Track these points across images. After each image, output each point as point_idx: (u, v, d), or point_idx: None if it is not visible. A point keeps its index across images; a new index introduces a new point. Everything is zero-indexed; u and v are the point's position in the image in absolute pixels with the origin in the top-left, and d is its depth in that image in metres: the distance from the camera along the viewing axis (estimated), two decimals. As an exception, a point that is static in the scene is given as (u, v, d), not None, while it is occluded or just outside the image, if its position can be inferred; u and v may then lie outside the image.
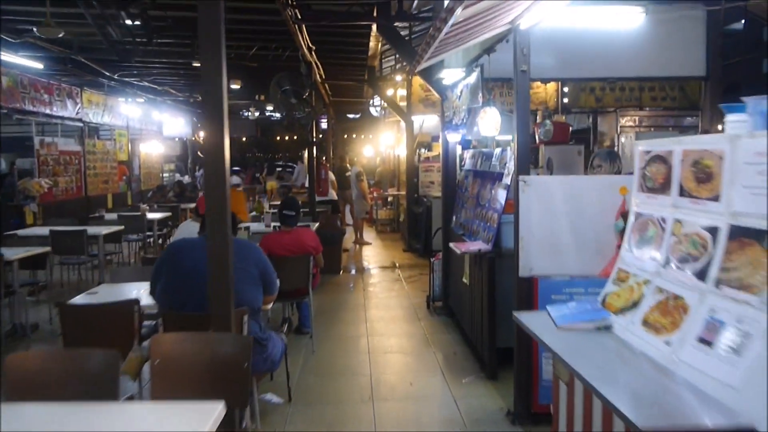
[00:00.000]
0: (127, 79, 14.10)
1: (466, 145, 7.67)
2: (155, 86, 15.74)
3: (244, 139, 32.07)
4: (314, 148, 9.61)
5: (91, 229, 8.46)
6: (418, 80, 11.87)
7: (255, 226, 8.49)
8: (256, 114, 21.87)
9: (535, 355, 4.07)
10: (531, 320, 2.83)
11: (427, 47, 4.49)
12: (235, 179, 23.51)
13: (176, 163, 22.58)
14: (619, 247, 3.69)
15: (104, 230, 8.41)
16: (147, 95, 16.61)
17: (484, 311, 5.06)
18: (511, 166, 5.01)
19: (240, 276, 3.49)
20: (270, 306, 4.05)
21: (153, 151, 18.70)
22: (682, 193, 2.37)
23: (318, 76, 11.05)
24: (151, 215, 10.72)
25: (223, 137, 2.94)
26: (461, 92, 6.04)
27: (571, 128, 6.92)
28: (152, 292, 3.67)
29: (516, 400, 4.18)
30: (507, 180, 5.00)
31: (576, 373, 2.20)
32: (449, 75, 6.12)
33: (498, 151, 5.56)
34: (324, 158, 11.27)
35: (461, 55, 5.75)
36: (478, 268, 5.22)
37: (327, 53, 10.57)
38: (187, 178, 22.52)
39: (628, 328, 2.48)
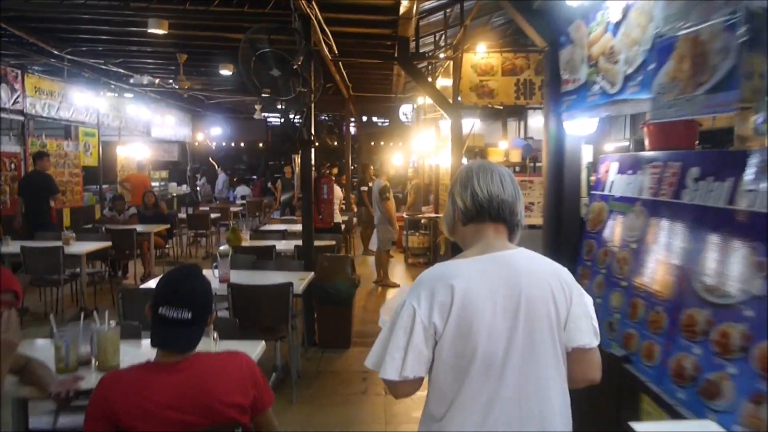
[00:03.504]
0: (83, 59, 10.78)
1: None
2: (130, 73, 12.42)
3: (261, 144, 28.85)
4: (311, 151, 6.08)
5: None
6: (469, 60, 8.32)
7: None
8: (264, 115, 18.47)
9: None
10: None
11: None
12: (242, 190, 20.30)
13: (170, 170, 19.24)
14: None
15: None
16: (122, 85, 13.28)
17: None
18: None
19: None
20: None
21: (137, 155, 15.37)
22: None
23: (324, 45, 7.54)
24: (77, 247, 7.32)
25: None
26: (624, 15, 2.47)
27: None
28: None
29: None
30: None
31: None
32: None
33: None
34: (327, 167, 7.89)
35: None
36: None
37: (335, 9, 7.07)
38: (185, 188, 19.34)
39: None
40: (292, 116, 6.14)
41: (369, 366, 1.71)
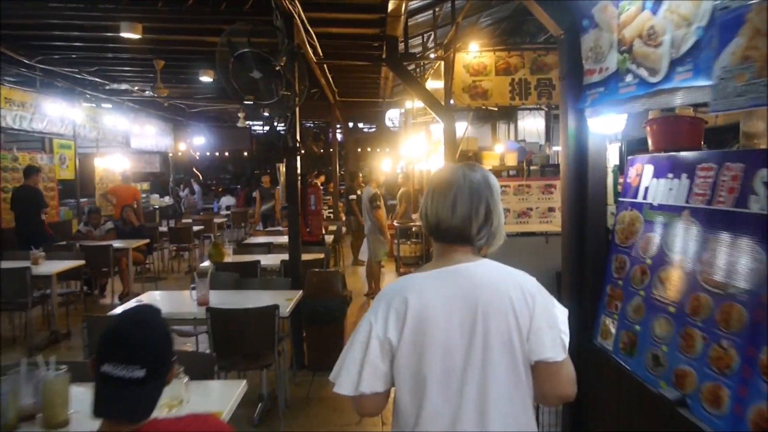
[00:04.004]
0: (56, 68, 10.29)
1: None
2: (106, 81, 11.92)
3: (246, 153, 28.33)
4: (296, 159, 5.62)
5: None
6: (461, 60, 7.92)
7: (171, 298, 4.61)
8: (248, 123, 18.02)
9: None
10: None
11: None
12: (227, 200, 19.78)
13: (152, 181, 18.69)
14: None
15: None
16: (99, 95, 12.78)
17: None
18: None
19: None
20: None
21: (117, 167, 14.84)
22: None
23: (309, 47, 7.11)
24: (47, 266, 6.82)
25: None
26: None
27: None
28: None
29: None
30: None
31: None
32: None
33: None
34: (314, 175, 7.31)
35: None
36: None
37: (320, 7, 6.66)
38: (167, 200, 18.81)
39: None
40: (276, 123, 5.70)
41: (330, 379, 1.67)
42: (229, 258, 7.02)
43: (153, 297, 5.20)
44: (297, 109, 5.67)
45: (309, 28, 6.74)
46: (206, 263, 6.78)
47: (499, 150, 8.93)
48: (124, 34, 7.34)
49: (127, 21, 7.17)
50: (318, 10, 6.72)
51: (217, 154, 25.52)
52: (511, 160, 8.39)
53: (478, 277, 1.61)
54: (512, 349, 1.57)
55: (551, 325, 1.59)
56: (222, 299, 4.78)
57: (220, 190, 27.05)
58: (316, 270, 5.88)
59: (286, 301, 4.66)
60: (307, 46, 7.08)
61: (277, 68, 5.15)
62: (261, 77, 5.08)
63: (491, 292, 1.59)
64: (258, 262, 6.30)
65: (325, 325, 5.76)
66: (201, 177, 25.97)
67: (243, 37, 5.04)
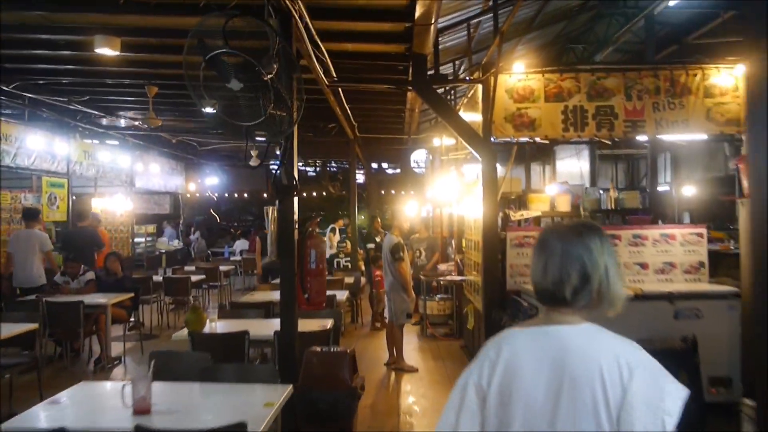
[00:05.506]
0: (41, 97, 9.16)
1: None
2: (101, 114, 10.77)
3: (264, 194, 27.24)
4: (292, 201, 4.19)
5: None
6: (504, 83, 6.55)
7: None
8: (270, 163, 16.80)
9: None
10: None
11: None
12: (241, 244, 18.45)
13: (165, 224, 17.49)
14: None
15: None
16: (95, 128, 11.64)
17: None
18: None
19: None
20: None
21: (118, 209, 13.64)
22: None
23: (318, 66, 5.77)
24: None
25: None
26: None
27: None
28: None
29: None
30: None
31: None
32: None
33: None
34: (317, 221, 5.80)
35: None
36: None
37: (332, 14, 5.37)
38: (177, 244, 17.58)
39: None
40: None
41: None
42: (216, 324, 5.59)
43: (86, 391, 3.74)
44: (295, 136, 4.29)
45: (317, 39, 5.44)
46: (182, 332, 5.37)
47: (550, 191, 7.44)
48: (100, 50, 6.12)
49: (102, 35, 5.96)
50: (330, 17, 5.43)
51: (236, 195, 24.43)
52: (564, 205, 6.92)
53: (570, 342, 1.53)
54: (599, 422, 1.45)
55: (651, 403, 1.42)
56: (175, 400, 3.35)
57: (238, 232, 25.86)
58: (317, 349, 4.38)
59: (264, 407, 3.19)
60: (316, 63, 5.76)
61: (266, 78, 3.79)
62: (242, 89, 3.70)
63: (581, 359, 1.50)
64: (245, 334, 4.84)
65: (328, 424, 4.26)
66: (218, 219, 24.82)
67: (218, 34, 3.70)
